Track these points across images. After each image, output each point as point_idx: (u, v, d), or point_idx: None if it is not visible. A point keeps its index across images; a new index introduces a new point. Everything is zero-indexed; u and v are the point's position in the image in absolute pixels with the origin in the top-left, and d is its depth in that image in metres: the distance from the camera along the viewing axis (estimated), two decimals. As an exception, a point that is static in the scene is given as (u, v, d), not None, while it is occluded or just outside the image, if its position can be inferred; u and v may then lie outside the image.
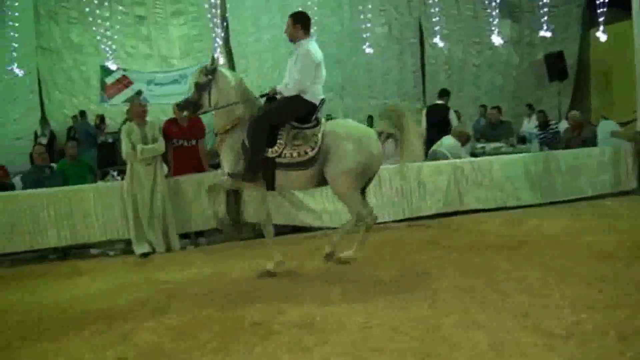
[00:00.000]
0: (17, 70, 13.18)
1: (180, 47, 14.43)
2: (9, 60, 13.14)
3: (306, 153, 4.96)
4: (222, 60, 12.61)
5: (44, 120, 12.88)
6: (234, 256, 6.14)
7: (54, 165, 7.94)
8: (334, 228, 7.08)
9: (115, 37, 13.89)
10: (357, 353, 3.30)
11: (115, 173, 8.08)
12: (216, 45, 13.81)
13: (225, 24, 13.98)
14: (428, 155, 8.49)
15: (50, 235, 6.54)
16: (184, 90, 13.48)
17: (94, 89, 13.58)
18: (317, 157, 4.97)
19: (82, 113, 12.77)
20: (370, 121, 13.52)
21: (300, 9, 5.96)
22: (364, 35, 15.43)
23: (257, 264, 5.56)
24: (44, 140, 12.13)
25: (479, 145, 9.82)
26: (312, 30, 5.32)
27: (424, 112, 10.12)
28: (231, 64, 13.95)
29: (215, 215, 5.42)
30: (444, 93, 10.05)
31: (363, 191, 5.37)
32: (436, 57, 16.13)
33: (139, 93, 13.49)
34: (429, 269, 5.11)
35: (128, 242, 6.73)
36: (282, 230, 7.10)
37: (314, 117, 5.12)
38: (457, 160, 8.03)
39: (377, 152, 5.09)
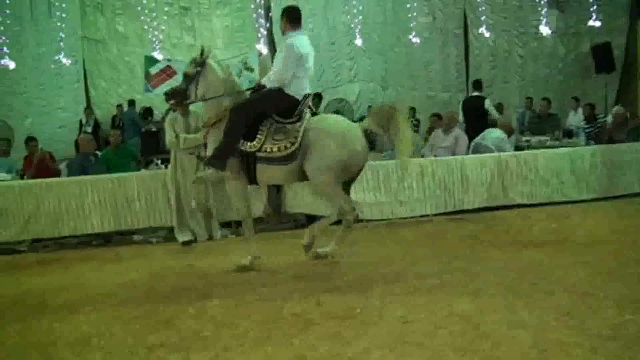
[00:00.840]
0: (63, 60, 13.48)
1: (224, 38, 14.50)
2: (55, 50, 13.45)
3: (286, 148, 4.94)
4: (265, 51, 12.62)
5: (89, 109, 13.13)
6: (274, 246, 6.16)
7: (98, 153, 8.10)
8: (374, 220, 7.07)
9: (160, 27, 14.05)
10: (397, 347, 3.26)
11: (159, 161, 8.18)
12: (259, 35, 13.84)
13: (268, 14, 13.99)
14: (471, 148, 8.37)
15: (94, 221, 6.69)
16: (226, 80, 13.64)
17: (139, 79, 13.73)
18: (297, 152, 4.95)
19: (131, 102, 12.99)
20: (412, 113, 13.37)
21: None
22: (408, 26, 15.24)
23: (296, 254, 5.58)
24: (88, 129, 12.39)
25: (524, 138, 9.62)
26: (302, 24, 5.24)
27: (460, 105, 9.96)
28: (274, 54, 13.97)
29: (199, 206, 5.57)
30: (478, 84, 9.89)
31: (348, 186, 5.32)
32: (480, 48, 15.83)
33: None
34: (471, 264, 5.03)
35: (170, 230, 6.82)
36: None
37: (296, 112, 5.08)
38: (502, 154, 7.87)
39: (360, 149, 5.01)
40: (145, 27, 14.05)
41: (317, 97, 11.48)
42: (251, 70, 13.96)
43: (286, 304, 4.15)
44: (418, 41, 15.28)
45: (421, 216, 7.27)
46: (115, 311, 4.23)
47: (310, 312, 3.94)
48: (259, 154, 4.98)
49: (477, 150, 8.20)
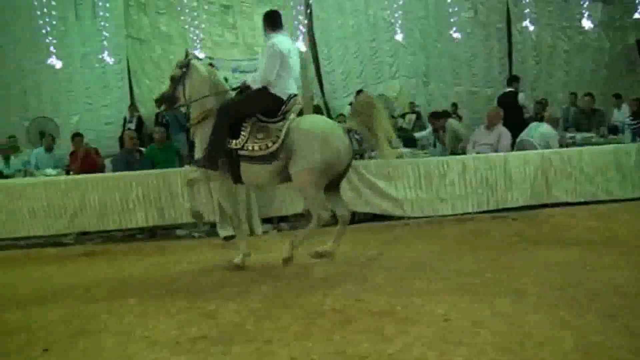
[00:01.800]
0: (107, 59, 13.77)
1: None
2: (100, 50, 13.75)
3: (267, 147, 4.95)
4: (303, 48, 12.64)
5: (132, 107, 13.41)
6: (314, 242, 6.17)
7: (143, 149, 8.26)
8: (415, 217, 7.03)
9: (202, 26, 14.24)
10: (437, 345, 3.25)
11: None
12: (300, 33, 13.90)
13: (309, 11, 14.05)
14: (516, 145, 8.24)
15: (139, 216, 6.83)
16: (270, 77, 13.74)
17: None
18: (278, 152, 4.94)
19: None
20: (454, 109, 13.24)
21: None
22: (449, 21, 15.07)
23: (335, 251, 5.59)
24: (132, 126, 12.64)
25: (569, 134, 9.40)
26: (284, 25, 5.31)
27: (495, 101, 9.81)
28: (314, 52, 14.06)
29: (192, 208, 5.47)
30: (514, 79, 9.73)
31: (337, 186, 5.27)
32: (524, 43, 15.53)
33: (224, 80, 13.76)
34: (514, 263, 4.97)
35: (213, 225, 6.91)
36: (362, 218, 7.11)
37: (280, 112, 5.10)
38: (545, 151, 7.72)
39: (343, 149, 4.97)
40: (187, 25, 14.26)
41: (361, 92, 11.43)
42: (292, 67, 14.10)
43: (326, 299, 4.17)
44: (460, 36, 15.09)
45: (463, 214, 7.19)
46: (159, 303, 4.33)
47: (351, 308, 3.95)
48: (242, 152, 5.03)
49: (522, 146, 8.06)
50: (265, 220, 7.00)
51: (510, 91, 9.54)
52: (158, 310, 4.15)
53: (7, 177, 7.86)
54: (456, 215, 7.17)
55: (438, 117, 9.26)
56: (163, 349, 3.45)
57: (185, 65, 5.30)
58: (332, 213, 5.14)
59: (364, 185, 6.97)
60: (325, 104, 13.72)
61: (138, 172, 7.13)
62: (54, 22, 13.56)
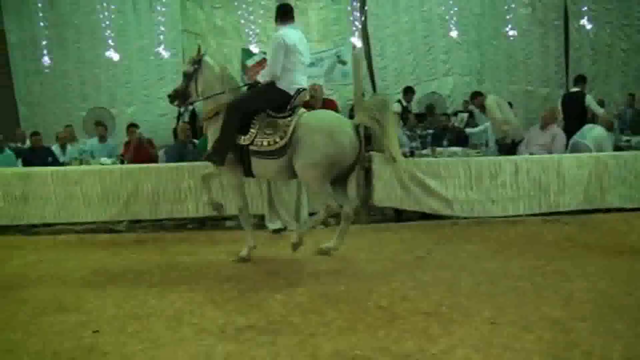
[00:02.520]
0: (163, 53, 14.06)
1: (319, 31, 14.59)
2: (156, 43, 14.04)
3: (275, 142, 5.00)
4: (359, 44, 12.60)
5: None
6: (361, 238, 6.19)
7: (195, 141, 8.41)
8: (465, 218, 6.95)
9: (257, 21, 14.36)
10: (483, 347, 3.23)
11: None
12: (354, 28, 13.86)
13: (364, 7, 13.97)
14: (569, 146, 8.04)
15: (190, 206, 6.98)
16: (320, 73, 13.72)
17: (235, 71, 14.15)
18: (287, 147, 4.98)
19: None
20: (509, 107, 12.95)
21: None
22: (505, 17, 14.75)
23: (383, 249, 5.61)
24: (185, 118, 12.87)
25: (624, 137, 9.09)
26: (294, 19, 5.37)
27: (559, 101, 9.52)
28: (367, 48, 13.98)
29: (211, 201, 5.59)
30: (580, 79, 9.43)
31: (344, 181, 5.28)
32: (581, 41, 15.03)
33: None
34: (564, 268, 4.86)
35: (261, 218, 7.00)
36: (410, 217, 7.07)
37: (289, 107, 5.13)
38: (601, 154, 7.49)
39: (349, 144, 4.96)
40: (243, 20, 14.40)
41: (410, 90, 11.35)
42: (344, 63, 14.03)
43: (372, 296, 4.19)
44: (516, 33, 14.75)
45: (513, 216, 7.05)
46: (208, 291, 4.43)
47: (396, 306, 3.96)
48: (252, 147, 5.08)
49: (576, 148, 7.85)
50: (313, 215, 7.01)
51: (577, 91, 9.27)
52: (206, 299, 4.25)
53: (63, 164, 8.13)
54: (506, 217, 7.04)
55: (477, 95, 9.07)
56: (210, 336, 3.54)
57: (198, 62, 5.38)
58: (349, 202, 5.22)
59: (414, 183, 6.92)
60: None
61: (190, 163, 7.27)
62: (113, 16, 13.93)
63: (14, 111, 14.52)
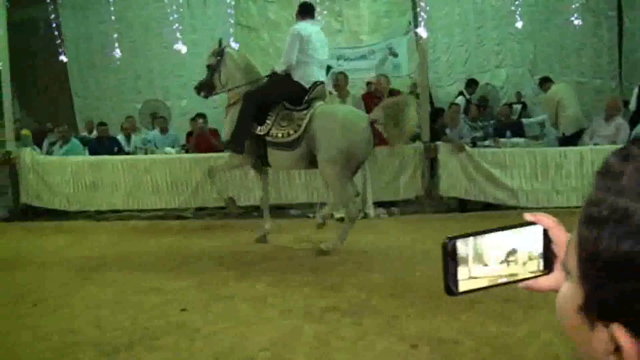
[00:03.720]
0: (217, 45, 14.24)
1: (370, 23, 14.58)
2: (210, 37, 14.21)
3: (289, 135, 5.09)
4: (425, 34, 12.44)
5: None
6: (427, 227, 6.20)
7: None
8: (530, 208, 6.87)
9: (308, 13, 14.43)
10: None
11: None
12: (420, 19, 13.77)
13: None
14: (631, 137, 7.87)
15: (257, 194, 7.05)
16: (371, 66, 13.72)
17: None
18: (300, 139, 5.05)
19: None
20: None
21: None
22: (559, 8, 14.46)
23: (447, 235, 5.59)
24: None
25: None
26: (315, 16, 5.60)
27: (635, 91, 9.29)
28: (418, 40, 13.90)
29: (222, 195, 5.73)
30: None
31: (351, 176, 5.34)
32: (635, 32, 14.65)
33: (328, 69, 13.94)
34: None
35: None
36: (474, 207, 7.04)
37: (305, 99, 5.19)
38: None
39: (362, 139, 5.04)
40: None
41: (473, 82, 11.24)
42: (396, 55, 14.01)
43: (447, 281, 4.19)
44: (569, 24, 14.45)
45: (578, 207, 6.89)
46: (284, 275, 4.55)
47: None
48: (268, 138, 5.19)
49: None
50: (378, 204, 7.05)
51: None
52: (285, 282, 4.35)
53: (128, 153, 8.36)
54: (571, 208, 6.94)
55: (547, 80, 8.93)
56: (295, 316, 3.63)
57: (220, 54, 5.51)
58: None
59: (479, 173, 6.89)
60: (429, 92, 13.55)
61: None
62: (168, 10, 14.17)
63: (69, 103, 14.96)
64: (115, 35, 14.12)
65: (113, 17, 14.20)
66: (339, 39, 14.09)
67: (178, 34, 14.07)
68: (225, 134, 5.55)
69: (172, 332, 3.46)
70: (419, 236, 5.67)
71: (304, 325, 3.47)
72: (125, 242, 6.06)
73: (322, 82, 5.38)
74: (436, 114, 7.49)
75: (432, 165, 7.01)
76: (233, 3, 14.22)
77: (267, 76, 5.51)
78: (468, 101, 9.99)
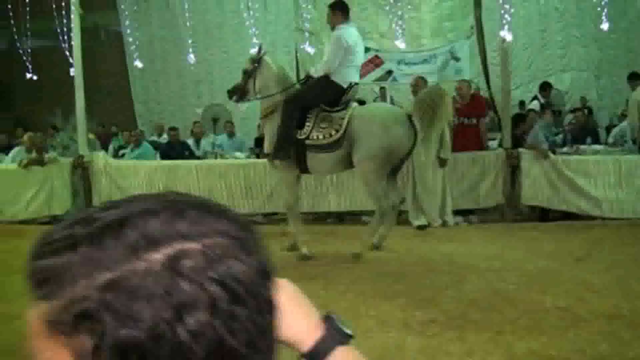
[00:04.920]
0: (277, 50, 14.28)
1: (431, 27, 14.42)
2: (270, 42, 14.28)
3: (330, 135, 5.10)
4: (509, 37, 12.17)
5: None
6: (511, 236, 6.06)
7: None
8: (615, 219, 6.62)
9: (370, 18, 14.33)
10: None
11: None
12: (503, 21, 13.53)
13: (479, 1, 13.65)
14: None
15: (331, 200, 7.03)
16: (433, 70, 13.55)
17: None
18: (341, 140, 5.08)
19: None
20: (627, 104, 12.26)
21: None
22: (625, 11, 13.98)
23: (537, 248, 5.44)
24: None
25: None
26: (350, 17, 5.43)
27: None
28: (481, 43, 13.66)
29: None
30: None
31: (394, 175, 5.38)
32: None
33: (389, 72, 13.85)
34: None
35: (400, 214, 6.95)
36: (556, 216, 6.82)
37: (342, 100, 5.24)
38: None
39: (403, 135, 5.04)
40: (355, 18, 14.38)
41: (548, 86, 10.92)
42: (458, 59, 13.79)
43: (546, 296, 4.05)
44: (636, 26, 13.94)
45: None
46: (372, 285, 4.45)
47: (576, 308, 3.82)
48: (308, 142, 5.17)
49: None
50: (455, 212, 6.90)
51: None
52: (375, 292, 4.26)
53: (199, 158, 8.41)
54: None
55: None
56: (395, 329, 3.54)
57: (257, 61, 5.49)
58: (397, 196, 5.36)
59: (562, 182, 6.68)
60: (491, 97, 13.27)
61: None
62: (229, 15, 14.32)
63: (131, 108, 15.27)
64: (177, 41, 14.36)
65: (173, 24, 14.45)
66: (401, 43, 13.96)
67: (238, 40, 14.22)
68: (266, 146, 5.53)
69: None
70: (505, 246, 5.53)
71: (405, 338, 3.39)
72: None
73: (357, 84, 5.45)
74: (518, 119, 7.29)
75: (513, 172, 6.83)
76: (293, 8, 14.27)
77: (301, 81, 5.60)
78: (543, 106, 9.68)
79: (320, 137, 5.15)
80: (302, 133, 5.21)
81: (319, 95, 5.30)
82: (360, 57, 5.47)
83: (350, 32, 5.28)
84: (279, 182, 5.74)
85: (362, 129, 5.05)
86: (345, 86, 5.27)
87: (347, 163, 5.24)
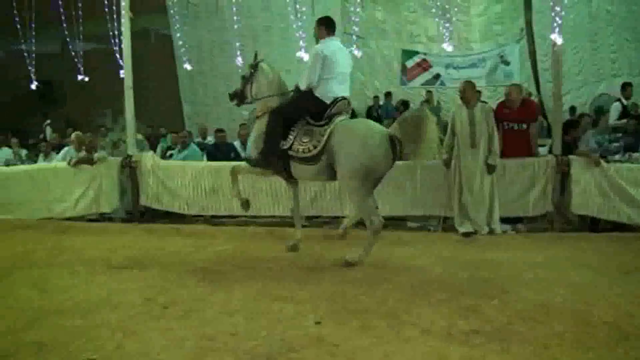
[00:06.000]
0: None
1: (480, 30, 14.26)
2: (309, 45, 14.31)
3: (309, 150, 5.24)
4: (559, 41, 11.97)
5: (345, 100, 13.73)
6: (560, 246, 5.92)
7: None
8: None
9: (419, 21, 14.25)
10: None
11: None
12: (554, 24, 13.28)
13: (529, 2, 13.40)
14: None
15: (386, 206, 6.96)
16: (482, 74, 13.38)
17: (395, 72, 14.16)
18: (320, 155, 5.20)
19: (388, 94, 13.42)
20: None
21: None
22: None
23: (586, 259, 5.29)
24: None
25: None
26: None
27: None
28: (532, 47, 13.42)
29: (237, 197, 5.92)
30: None
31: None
32: None
33: (437, 76, 13.77)
34: None
35: (444, 220, 6.94)
36: (605, 227, 6.62)
37: (325, 115, 5.33)
38: None
39: (382, 153, 5.07)
40: (404, 21, 14.34)
41: (629, 85, 10.29)
42: (507, 63, 13.57)
43: (593, 310, 3.93)
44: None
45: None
46: (416, 291, 4.38)
47: (623, 323, 3.70)
48: (290, 152, 5.35)
49: None
50: (502, 220, 6.75)
51: None
52: (417, 298, 4.20)
53: (244, 159, 8.46)
54: None
55: None
56: (437, 338, 3.47)
57: (254, 67, 5.75)
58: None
59: (613, 191, 6.49)
60: (542, 102, 12.99)
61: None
62: (277, 17, 14.39)
63: (179, 110, 15.53)
64: (224, 45, 14.55)
65: (221, 28, 14.64)
66: (449, 47, 13.83)
67: (285, 43, 14.31)
68: (251, 150, 5.80)
69: (311, 345, 3.40)
70: (552, 256, 5.41)
71: (448, 347, 3.32)
72: (246, 248, 6.10)
73: (343, 98, 5.49)
74: (568, 125, 7.10)
75: (563, 180, 6.66)
76: (341, 12, 14.26)
77: (292, 90, 5.69)
78: (625, 108, 9.29)
79: (301, 150, 5.32)
80: (285, 143, 5.40)
81: (302, 109, 5.46)
82: (344, 67, 5.51)
83: (329, 44, 5.43)
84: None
85: (341, 145, 5.14)
86: (328, 101, 5.39)
87: (330, 174, 5.35)
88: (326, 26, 5.54)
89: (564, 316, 3.81)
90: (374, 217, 5.16)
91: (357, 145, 5.08)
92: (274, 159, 5.44)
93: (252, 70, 5.78)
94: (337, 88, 5.44)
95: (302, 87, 5.47)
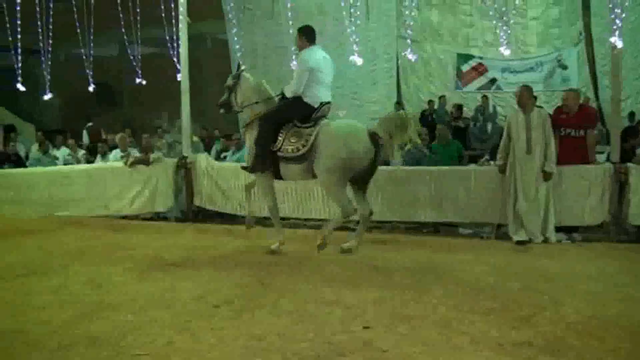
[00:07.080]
0: (378, 57, 14.30)
1: (537, 34, 13.91)
2: (371, 50, 14.30)
3: (298, 150, 5.58)
4: (619, 44, 11.60)
5: (399, 104, 13.72)
6: (614, 257, 5.77)
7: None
8: None
9: (474, 25, 14.04)
10: None
11: (487, 157, 8.06)
12: (614, 27, 12.89)
13: (587, 6, 13.02)
14: None
15: (426, 211, 6.94)
16: (539, 79, 13.08)
17: (450, 76, 14.02)
18: (307, 154, 5.55)
19: (441, 97, 13.29)
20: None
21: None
22: None
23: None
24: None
25: None
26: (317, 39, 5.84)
27: None
28: (590, 50, 13.03)
29: (249, 213, 6.38)
30: None
31: (364, 187, 5.74)
32: None
33: (493, 81, 13.56)
34: None
35: (497, 227, 6.84)
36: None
37: (313, 117, 5.68)
38: None
39: (361, 149, 5.41)
40: (459, 25, 14.15)
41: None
42: (565, 67, 13.22)
43: None
44: None
45: None
46: (464, 299, 4.33)
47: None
48: (279, 154, 5.69)
49: None
50: (558, 229, 6.59)
51: None
52: (468, 307, 4.13)
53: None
54: None
55: None
56: (487, 348, 3.41)
57: (237, 77, 6.06)
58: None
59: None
60: (600, 108, 12.56)
61: (427, 167, 7.31)
62: (334, 22, 14.39)
63: (233, 113, 15.67)
64: (279, 49, 14.68)
65: (277, 33, 14.77)
66: (505, 51, 13.57)
67: (339, 48, 14.29)
68: (247, 160, 6.05)
69: (359, 350, 3.39)
70: (607, 267, 5.26)
71: (499, 359, 3.26)
72: (297, 250, 6.15)
73: (328, 102, 5.81)
74: (628, 132, 6.89)
75: (621, 189, 6.47)
76: (396, 15, 14.19)
77: (277, 95, 5.99)
78: None
79: (290, 150, 5.65)
80: (275, 146, 5.71)
81: (291, 114, 5.76)
82: (328, 75, 5.81)
83: (313, 54, 5.71)
84: (259, 186, 6.22)
85: (324, 144, 5.49)
86: (315, 106, 5.72)
87: (313, 172, 5.68)
88: (307, 36, 5.83)
89: (619, 331, 3.69)
90: (350, 206, 5.54)
91: (337, 142, 5.44)
92: (267, 160, 5.76)
93: (236, 80, 6.08)
94: (323, 94, 5.76)
95: (288, 94, 5.79)
